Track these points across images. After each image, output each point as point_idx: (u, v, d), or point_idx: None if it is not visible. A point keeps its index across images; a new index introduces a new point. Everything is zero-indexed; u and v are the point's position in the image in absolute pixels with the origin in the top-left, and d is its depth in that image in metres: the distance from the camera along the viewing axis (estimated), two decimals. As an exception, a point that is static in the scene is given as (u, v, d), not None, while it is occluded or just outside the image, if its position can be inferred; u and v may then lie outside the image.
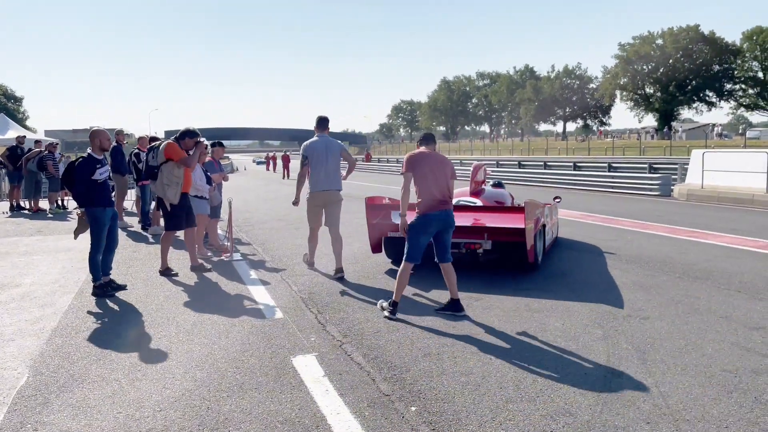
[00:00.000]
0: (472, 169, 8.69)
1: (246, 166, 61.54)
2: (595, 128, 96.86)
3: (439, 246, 5.51)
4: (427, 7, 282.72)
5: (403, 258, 5.46)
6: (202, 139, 7.65)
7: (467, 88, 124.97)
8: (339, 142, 7.56)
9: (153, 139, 11.71)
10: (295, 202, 7.59)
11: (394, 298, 5.45)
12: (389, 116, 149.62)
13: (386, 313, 5.41)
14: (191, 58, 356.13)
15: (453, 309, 5.50)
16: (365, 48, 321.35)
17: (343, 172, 7.58)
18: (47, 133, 66.98)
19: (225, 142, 10.34)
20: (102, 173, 6.41)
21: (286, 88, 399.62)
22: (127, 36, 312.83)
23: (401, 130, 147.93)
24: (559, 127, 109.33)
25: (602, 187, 21.32)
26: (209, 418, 3.45)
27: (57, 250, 9.29)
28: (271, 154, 54.48)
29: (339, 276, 7.15)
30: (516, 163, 31.67)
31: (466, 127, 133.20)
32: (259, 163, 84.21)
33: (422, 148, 5.59)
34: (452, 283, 5.52)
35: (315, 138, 7.40)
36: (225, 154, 12.53)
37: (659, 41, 79.97)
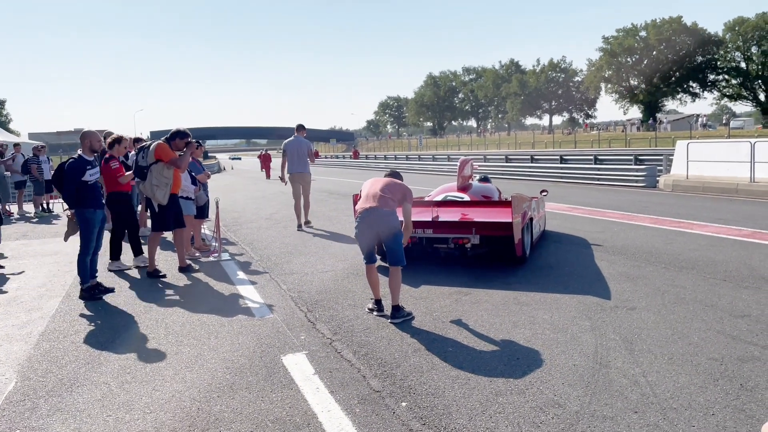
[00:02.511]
0: (459, 164, 8.70)
1: (233, 166, 61.22)
2: (581, 121, 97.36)
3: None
4: (412, 4, 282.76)
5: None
6: (192, 140, 7.62)
7: (453, 84, 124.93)
8: (309, 142, 11.14)
9: (137, 140, 11.62)
10: (282, 178, 11.63)
11: (374, 297, 5.49)
12: (376, 113, 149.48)
13: (375, 314, 5.42)
14: (175, 58, 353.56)
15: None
16: (351, 45, 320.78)
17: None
18: (31, 135, 65.95)
19: (211, 142, 10.51)
20: (92, 174, 6.40)
21: (273, 87, 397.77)
22: (111, 37, 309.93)
23: (388, 126, 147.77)
24: (545, 121, 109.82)
25: (589, 179, 21.46)
26: (200, 418, 3.44)
27: (43, 253, 9.21)
28: (264, 152, 39.89)
29: (307, 225, 11.01)
30: (503, 157, 31.70)
31: (453, 122, 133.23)
32: (233, 159, 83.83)
33: None
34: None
35: (292, 138, 10.99)
36: (211, 154, 12.77)
37: (643, 33, 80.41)
